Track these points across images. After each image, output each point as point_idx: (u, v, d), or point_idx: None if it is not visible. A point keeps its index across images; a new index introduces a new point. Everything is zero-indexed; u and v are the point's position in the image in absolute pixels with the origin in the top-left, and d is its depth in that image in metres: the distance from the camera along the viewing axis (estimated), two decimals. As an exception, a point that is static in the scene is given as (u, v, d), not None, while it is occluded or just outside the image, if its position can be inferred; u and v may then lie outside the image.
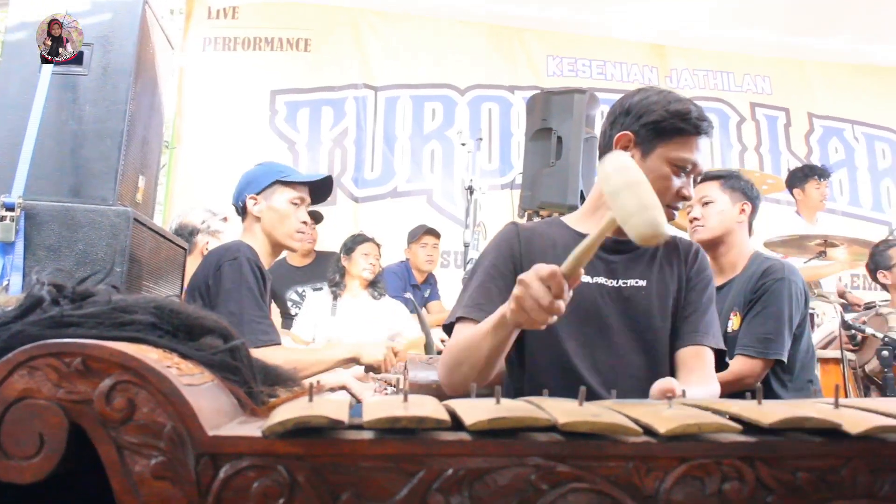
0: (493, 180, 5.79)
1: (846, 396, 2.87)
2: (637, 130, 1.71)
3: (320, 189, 2.73)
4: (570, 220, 1.85)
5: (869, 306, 4.22)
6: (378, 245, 4.42)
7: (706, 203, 2.72)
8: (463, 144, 3.75)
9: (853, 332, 2.84)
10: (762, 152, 6.33)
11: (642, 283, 1.75)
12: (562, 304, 1.25)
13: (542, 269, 1.24)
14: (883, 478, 0.82)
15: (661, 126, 1.67)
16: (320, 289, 4.52)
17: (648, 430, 0.80)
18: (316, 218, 5.08)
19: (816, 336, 3.50)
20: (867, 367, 3.01)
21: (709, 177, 2.77)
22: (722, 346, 1.77)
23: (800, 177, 5.02)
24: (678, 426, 0.77)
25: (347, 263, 4.35)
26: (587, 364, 1.65)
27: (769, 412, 0.81)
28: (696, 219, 2.73)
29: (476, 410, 0.80)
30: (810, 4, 5.81)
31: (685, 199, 1.70)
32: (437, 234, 5.12)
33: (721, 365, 1.80)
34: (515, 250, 1.75)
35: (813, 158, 6.10)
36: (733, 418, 0.83)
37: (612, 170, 1.16)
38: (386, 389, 2.60)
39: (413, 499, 0.76)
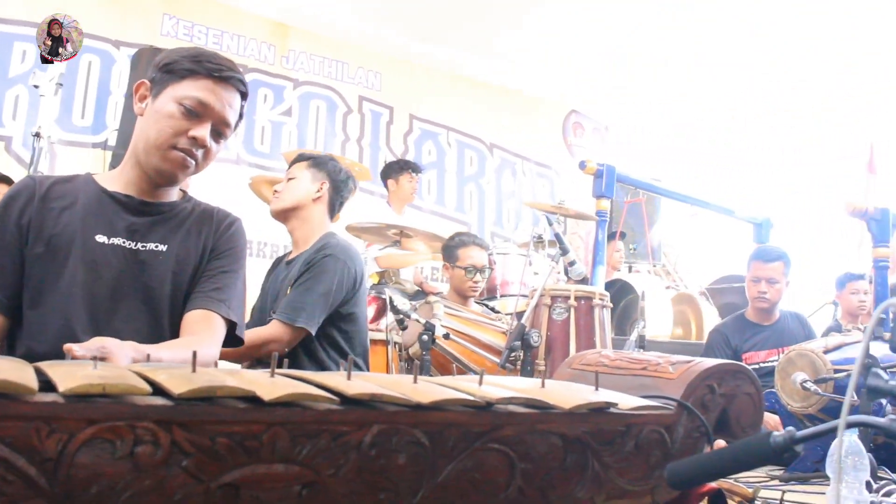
0: (85, 137, 5.36)
1: (388, 373, 3.10)
2: (153, 76, 1.68)
3: None
4: (101, 178, 1.75)
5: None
6: None
7: (290, 179, 2.79)
8: (35, 87, 3.32)
9: (401, 316, 3.08)
10: (363, 145, 6.63)
11: (162, 247, 1.70)
12: None
13: None
14: (302, 443, 0.87)
15: (171, 67, 1.65)
16: None
17: (54, 389, 0.77)
18: None
19: (388, 319, 3.74)
20: (410, 350, 3.28)
21: (302, 158, 2.85)
22: (233, 317, 1.74)
23: (395, 169, 5.35)
24: (79, 385, 0.74)
25: None
26: (90, 326, 1.57)
27: (185, 380, 0.82)
28: (277, 191, 2.81)
29: None
30: (422, 12, 6.25)
31: (197, 142, 1.64)
32: (10, 183, 4.58)
33: (236, 340, 1.78)
34: (25, 215, 1.63)
35: (408, 157, 6.49)
36: (152, 384, 0.83)
37: None
38: None
39: None
